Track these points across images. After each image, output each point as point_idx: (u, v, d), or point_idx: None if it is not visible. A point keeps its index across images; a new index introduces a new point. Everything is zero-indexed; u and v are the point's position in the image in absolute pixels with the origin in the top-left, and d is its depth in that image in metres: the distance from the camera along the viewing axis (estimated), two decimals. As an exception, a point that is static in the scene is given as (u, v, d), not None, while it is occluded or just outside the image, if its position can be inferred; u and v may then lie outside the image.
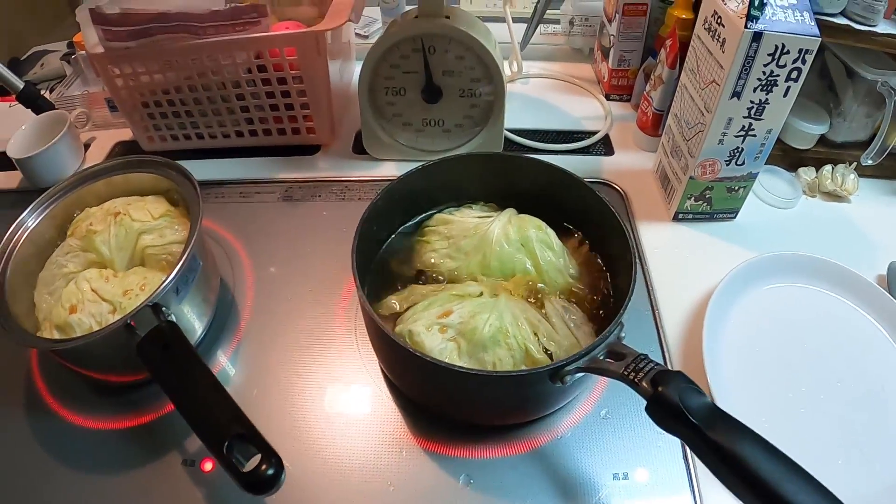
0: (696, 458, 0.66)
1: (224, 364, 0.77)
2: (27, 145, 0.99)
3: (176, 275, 0.68)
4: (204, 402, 0.60)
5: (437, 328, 0.67)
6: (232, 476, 0.54)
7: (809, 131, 0.94)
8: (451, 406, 0.70)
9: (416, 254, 0.77)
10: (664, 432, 0.68)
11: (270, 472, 0.54)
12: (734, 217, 0.91)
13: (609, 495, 0.66)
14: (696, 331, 0.76)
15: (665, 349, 0.77)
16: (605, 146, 1.02)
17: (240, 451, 0.55)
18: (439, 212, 0.80)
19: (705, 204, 0.87)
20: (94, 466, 0.69)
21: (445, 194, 0.80)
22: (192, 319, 0.76)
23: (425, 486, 0.67)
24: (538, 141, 1.02)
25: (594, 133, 1.03)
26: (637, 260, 0.66)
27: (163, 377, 0.64)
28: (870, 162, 0.91)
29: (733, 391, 0.72)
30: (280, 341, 0.79)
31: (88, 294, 0.71)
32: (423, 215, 0.81)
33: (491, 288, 0.71)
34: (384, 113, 0.94)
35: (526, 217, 0.76)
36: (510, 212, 0.76)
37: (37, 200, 0.79)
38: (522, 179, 0.79)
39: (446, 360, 0.63)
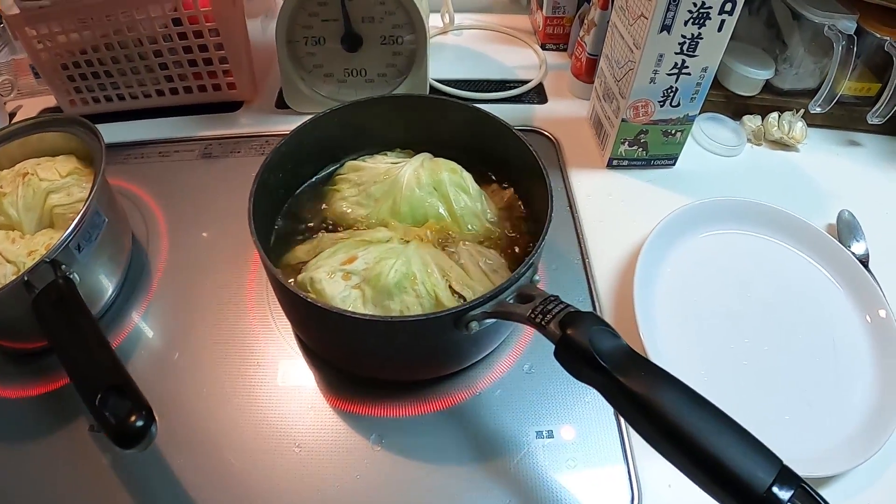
0: None
1: (136, 323, 0.70)
2: None
3: (74, 229, 0.62)
4: (83, 353, 0.54)
5: (339, 275, 0.59)
6: (102, 429, 0.48)
7: (754, 76, 0.86)
8: (353, 359, 0.63)
9: (325, 203, 0.70)
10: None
11: (139, 423, 0.47)
12: (673, 164, 0.83)
13: (531, 454, 0.58)
14: (629, 280, 0.69)
15: (596, 300, 0.70)
16: (538, 95, 0.94)
17: (117, 407, 0.48)
18: (352, 160, 0.72)
19: (640, 149, 0.79)
20: (6, 436, 0.63)
21: (360, 142, 0.73)
22: (101, 279, 0.69)
23: (333, 446, 0.60)
24: (469, 90, 0.94)
25: (527, 82, 0.94)
26: (552, 197, 0.59)
27: (51, 331, 0.57)
28: (818, 109, 0.83)
29: (669, 343, 0.65)
30: (193, 301, 0.72)
31: None
32: (337, 164, 0.73)
33: (402, 234, 0.63)
34: (304, 64, 0.86)
35: (440, 160, 0.68)
36: (424, 156, 0.69)
37: None
38: (441, 124, 0.71)
39: (350, 309, 0.55)
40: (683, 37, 0.68)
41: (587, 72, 0.88)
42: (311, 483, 0.57)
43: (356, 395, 0.62)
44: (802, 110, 0.86)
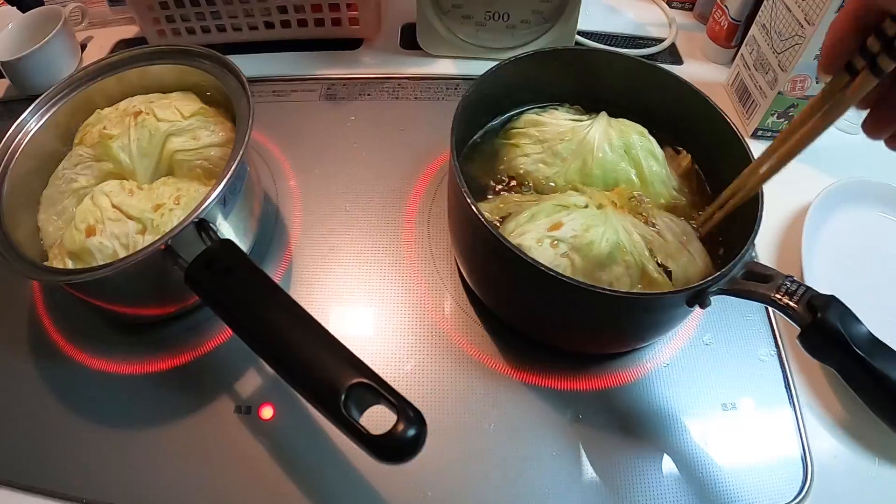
0: (797, 385, 0.59)
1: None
2: (14, 46, 0.79)
3: (226, 182, 0.53)
4: (302, 345, 0.43)
5: (548, 242, 0.54)
6: (356, 441, 0.39)
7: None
8: (565, 334, 0.58)
9: (502, 159, 0.64)
10: (758, 361, 0.60)
11: (411, 432, 0.38)
12: (811, 140, 0.79)
13: (720, 426, 0.56)
14: (785, 255, 0.67)
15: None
16: (671, 55, 0.89)
17: (354, 405, 0.40)
18: (523, 113, 0.65)
19: (787, 122, 0.76)
20: (126, 420, 0.54)
21: (529, 94, 0.66)
22: (238, 237, 0.59)
23: (530, 424, 0.55)
24: (601, 44, 0.87)
25: (660, 40, 0.89)
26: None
27: (236, 315, 0.46)
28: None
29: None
30: (339, 259, 0.64)
31: (109, 212, 0.55)
32: (504, 117, 0.66)
33: (594, 199, 0.58)
34: (442, 4, 0.77)
35: (626, 122, 0.63)
36: (605, 115, 0.63)
37: (35, 103, 0.61)
38: (612, 80, 0.65)
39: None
40: (856, 17, 0.64)
41: (727, 36, 0.83)
42: (511, 463, 0.53)
43: (546, 369, 0.58)
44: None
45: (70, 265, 0.54)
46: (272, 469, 0.52)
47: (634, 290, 0.53)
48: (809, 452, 0.55)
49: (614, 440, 0.55)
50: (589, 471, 0.53)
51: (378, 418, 0.39)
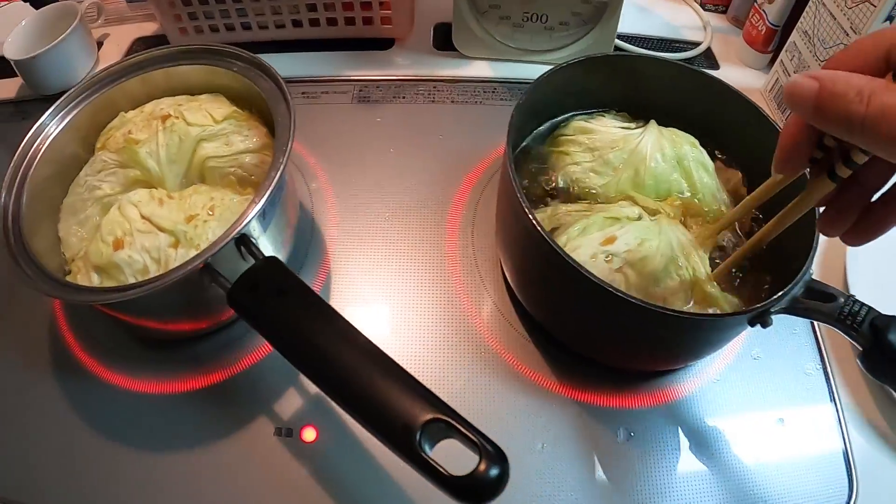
0: (842, 399, 0.57)
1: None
2: (28, 45, 0.76)
3: (269, 194, 0.49)
4: (370, 378, 0.40)
5: (602, 257, 0.52)
6: (434, 482, 0.36)
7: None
8: (620, 351, 0.56)
9: (551, 166, 0.61)
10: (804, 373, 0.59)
11: (494, 472, 0.35)
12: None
13: (769, 440, 0.55)
14: (827, 262, 0.66)
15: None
16: (706, 60, 0.86)
17: (427, 441, 0.37)
18: (570, 119, 0.63)
19: (827, 129, 0.74)
20: (156, 442, 0.52)
21: (576, 99, 0.64)
22: (276, 251, 0.56)
23: (581, 443, 0.53)
24: (636, 47, 0.85)
25: (695, 44, 0.87)
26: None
27: (291, 344, 0.43)
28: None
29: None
30: (379, 272, 0.62)
31: (138, 223, 0.52)
32: (551, 123, 0.64)
33: (647, 209, 0.56)
34: (479, 4, 0.75)
35: (676, 132, 0.61)
36: (655, 124, 0.61)
37: (55, 105, 0.57)
38: (660, 88, 0.62)
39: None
40: (902, 29, 0.63)
41: (765, 41, 0.81)
42: (564, 483, 0.51)
43: (596, 386, 0.57)
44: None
45: (96, 280, 0.51)
46: (316, 495, 0.49)
47: (691, 308, 0.51)
48: (854, 466, 0.54)
49: (667, 458, 0.53)
50: (643, 489, 0.52)
51: (450, 453, 0.37)
